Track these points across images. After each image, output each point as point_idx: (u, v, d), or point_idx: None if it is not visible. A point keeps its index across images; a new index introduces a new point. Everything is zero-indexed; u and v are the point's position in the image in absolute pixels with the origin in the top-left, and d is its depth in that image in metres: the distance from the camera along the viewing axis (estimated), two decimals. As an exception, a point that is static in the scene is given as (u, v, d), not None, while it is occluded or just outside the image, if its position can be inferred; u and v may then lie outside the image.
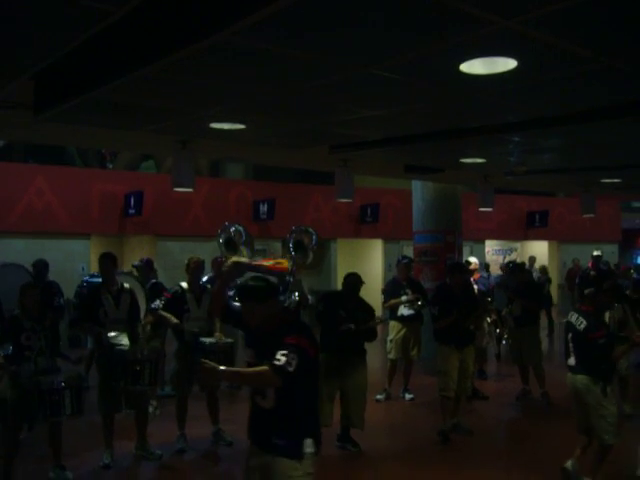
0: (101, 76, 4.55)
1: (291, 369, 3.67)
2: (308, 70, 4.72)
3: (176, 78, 4.87)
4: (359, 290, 7.49)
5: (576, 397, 6.00)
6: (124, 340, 6.99)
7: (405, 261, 10.13)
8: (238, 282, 10.08)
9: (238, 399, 9.73)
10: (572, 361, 6.08)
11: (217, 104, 5.82)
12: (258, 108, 5.98)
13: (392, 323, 9.81)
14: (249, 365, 3.99)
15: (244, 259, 4.92)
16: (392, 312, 9.80)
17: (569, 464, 5.97)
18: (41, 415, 5.92)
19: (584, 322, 5.88)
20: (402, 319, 9.65)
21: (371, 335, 7.42)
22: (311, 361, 3.87)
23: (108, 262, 7.22)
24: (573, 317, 6.01)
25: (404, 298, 9.55)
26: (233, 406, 9.07)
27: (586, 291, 6.12)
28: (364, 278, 7.73)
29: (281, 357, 3.68)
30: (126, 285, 7.31)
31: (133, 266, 11.06)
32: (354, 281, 7.50)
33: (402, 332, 9.66)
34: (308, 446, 3.82)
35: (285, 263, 4.73)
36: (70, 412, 6.00)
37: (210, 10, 3.50)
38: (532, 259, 18.14)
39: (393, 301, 9.64)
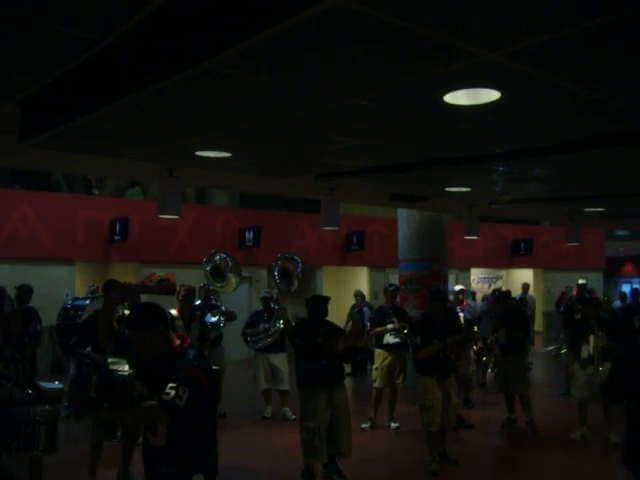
0: (86, 104, 4.56)
1: (181, 404, 3.42)
2: (293, 100, 4.75)
3: (161, 106, 4.89)
4: (324, 311, 7.36)
5: None
6: (124, 366, 6.92)
7: (392, 288, 10.16)
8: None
9: (222, 427, 9.64)
10: None
11: (202, 132, 5.84)
12: (243, 137, 6.01)
13: (378, 351, 9.80)
14: (142, 400, 3.70)
15: (132, 282, 4.46)
16: (378, 340, 9.80)
17: None
18: (14, 447, 5.69)
19: None
20: (388, 347, 9.64)
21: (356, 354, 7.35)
22: (206, 394, 3.62)
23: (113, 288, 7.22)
24: None
25: (390, 326, 9.55)
26: (218, 435, 8.99)
27: None
28: (350, 306, 7.71)
29: (170, 391, 3.43)
30: (127, 312, 7.27)
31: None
32: (321, 303, 7.34)
33: (388, 360, 9.64)
34: None
35: (172, 279, 4.26)
36: (43, 447, 5.80)
37: (195, 39, 3.53)
38: (525, 286, 18.16)
39: (379, 329, 9.64)
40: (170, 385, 3.43)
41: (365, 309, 14.33)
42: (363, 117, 5.23)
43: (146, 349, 3.66)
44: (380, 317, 9.74)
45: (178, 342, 3.75)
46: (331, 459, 7.13)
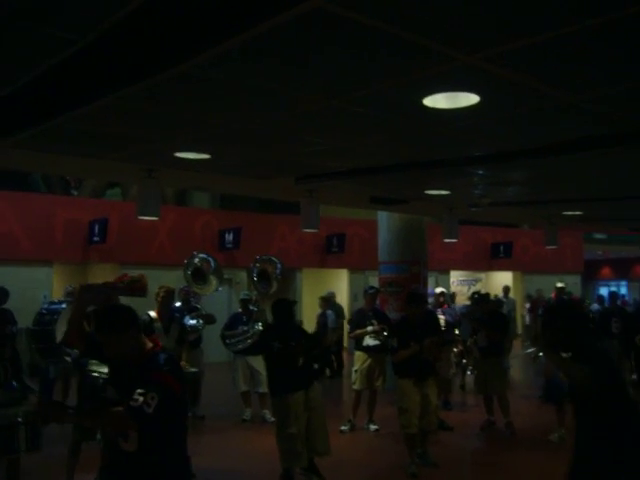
0: (63, 104, 4.53)
1: (149, 410, 3.32)
2: (273, 102, 4.75)
3: (139, 107, 4.86)
4: (292, 314, 7.38)
5: None
6: (104, 368, 6.86)
7: (372, 291, 10.16)
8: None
9: (201, 430, 9.63)
10: None
11: (181, 134, 5.82)
12: (223, 138, 5.99)
13: (357, 353, 9.81)
14: (113, 404, 3.56)
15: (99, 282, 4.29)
16: (357, 342, 9.80)
17: None
18: None
19: None
20: (367, 349, 9.64)
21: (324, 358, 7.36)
22: (177, 400, 3.53)
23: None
24: None
25: (370, 328, 9.56)
26: (196, 437, 8.94)
27: None
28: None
29: (139, 397, 3.33)
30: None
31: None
32: (290, 306, 7.38)
33: (367, 362, 9.64)
34: None
35: (144, 280, 4.12)
36: (25, 448, 5.70)
37: (171, 42, 3.51)
38: (506, 289, 18.24)
39: (359, 331, 9.64)
40: (139, 391, 3.35)
41: (329, 312, 14.35)
42: (343, 120, 5.23)
43: (116, 352, 3.58)
44: (360, 320, 9.74)
45: (150, 345, 3.68)
46: (309, 461, 7.11)
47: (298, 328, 7.27)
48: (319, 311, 14.67)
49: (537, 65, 3.95)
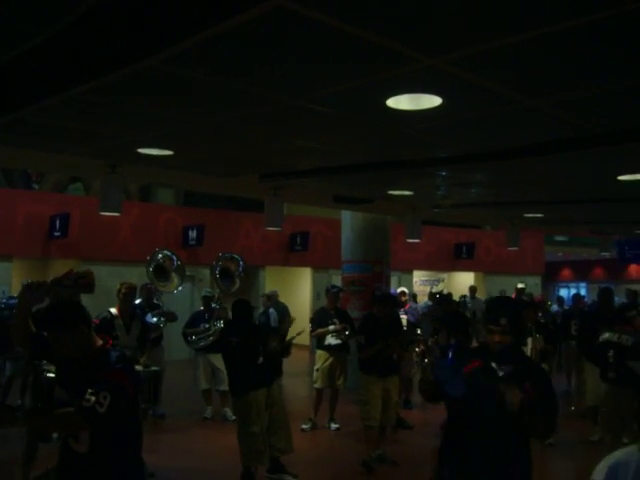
0: (25, 97, 4.47)
1: (102, 410, 3.24)
2: (236, 100, 4.74)
3: (102, 102, 4.82)
4: (251, 314, 7.44)
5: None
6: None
7: (334, 290, 10.18)
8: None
9: (162, 428, 9.57)
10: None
11: (144, 130, 5.77)
12: (187, 135, 5.96)
13: (319, 352, 9.83)
14: (62, 405, 3.47)
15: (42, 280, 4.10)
16: (319, 341, 9.83)
17: None
18: None
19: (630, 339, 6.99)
20: (329, 348, 9.67)
21: (286, 351, 7.39)
22: (129, 398, 3.46)
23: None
24: (615, 336, 7.13)
25: (331, 327, 9.59)
26: (156, 435, 8.91)
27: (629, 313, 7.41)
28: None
29: (90, 397, 3.25)
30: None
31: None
32: (249, 306, 7.48)
33: (329, 361, 9.67)
34: None
35: (91, 276, 3.93)
36: None
37: (138, 36, 3.48)
38: (473, 289, 18.33)
39: (320, 330, 9.66)
40: (90, 390, 3.27)
41: (271, 310, 14.28)
42: (306, 119, 5.24)
43: (65, 350, 3.48)
44: (322, 318, 9.77)
45: (100, 343, 3.60)
46: (275, 460, 7.11)
47: (256, 327, 7.30)
48: (261, 309, 14.58)
49: (500, 69, 4.00)
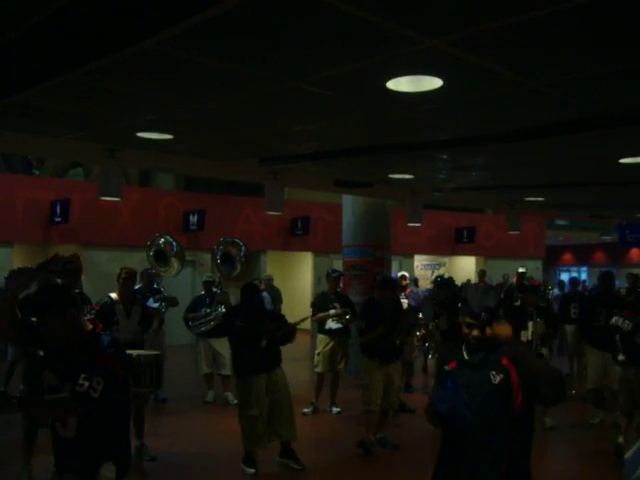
0: (22, 81, 4.44)
1: (95, 395, 3.22)
2: (235, 82, 4.71)
3: (100, 85, 4.78)
4: (254, 299, 7.42)
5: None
6: None
7: (335, 274, 10.17)
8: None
9: (164, 412, 9.59)
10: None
11: (143, 113, 5.74)
12: (187, 119, 5.93)
13: (320, 337, 9.84)
14: (52, 390, 3.45)
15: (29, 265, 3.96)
16: (320, 325, 9.83)
17: (621, 440, 7.29)
18: None
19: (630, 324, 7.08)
20: (330, 332, 9.67)
21: (288, 336, 7.35)
22: (120, 382, 3.43)
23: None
24: (619, 321, 7.20)
25: (332, 312, 9.58)
26: (158, 419, 8.93)
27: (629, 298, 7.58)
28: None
29: (84, 382, 3.22)
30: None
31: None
32: (257, 290, 7.53)
33: (329, 345, 9.68)
34: (107, 470, 3.43)
35: (78, 261, 3.88)
36: None
37: (136, 17, 3.45)
38: (482, 273, 18.25)
39: (321, 314, 9.66)
40: (83, 375, 3.24)
41: (264, 294, 14.29)
42: (305, 101, 5.21)
43: (56, 334, 3.44)
44: (322, 303, 9.76)
45: (90, 327, 3.57)
46: (285, 445, 7.13)
47: (263, 310, 7.27)
48: None
49: (501, 50, 3.96)
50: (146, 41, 3.54)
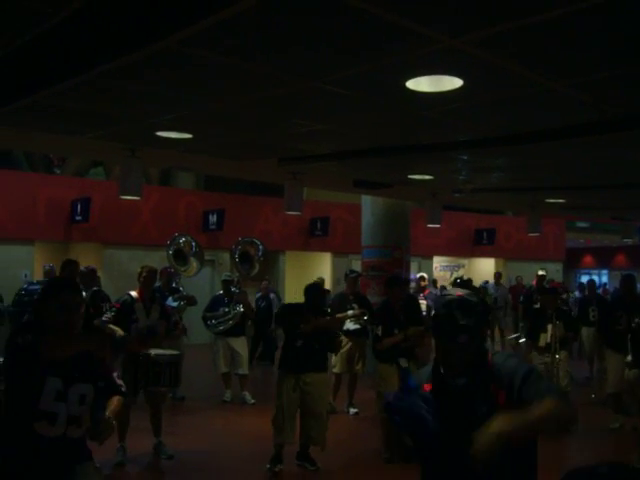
0: (42, 80, 4.47)
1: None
2: (254, 82, 4.71)
3: (121, 84, 4.81)
4: (321, 301, 7.41)
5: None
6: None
7: (353, 275, 10.15)
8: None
9: (181, 411, 9.62)
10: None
11: (162, 113, 5.75)
12: (205, 118, 5.94)
13: (338, 337, 9.83)
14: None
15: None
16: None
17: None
18: None
19: None
20: (348, 333, 9.65)
21: (332, 345, 7.31)
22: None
23: (74, 268, 7.95)
24: None
25: (350, 312, 9.55)
26: (175, 418, 8.96)
27: None
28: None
29: (117, 378, 3.60)
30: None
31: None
32: (316, 291, 7.40)
33: (347, 346, 9.66)
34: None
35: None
36: None
37: (154, 17, 3.46)
38: (498, 275, 18.17)
39: (339, 315, 9.63)
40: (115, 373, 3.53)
41: (272, 295, 14.28)
42: (325, 101, 5.20)
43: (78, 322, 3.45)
44: (341, 303, 9.74)
45: None
46: (303, 448, 7.13)
47: (321, 312, 7.30)
48: (258, 295, 14.53)
49: (522, 50, 3.93)
50: (165, 40, 3.54)
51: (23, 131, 6.74)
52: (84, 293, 8.90)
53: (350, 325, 9.63)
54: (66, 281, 3.69)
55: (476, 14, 3.38)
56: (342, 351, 9.67)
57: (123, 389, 3.52)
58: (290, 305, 7.70)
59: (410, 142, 6.99)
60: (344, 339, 9.68)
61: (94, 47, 3.88)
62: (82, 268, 10.69)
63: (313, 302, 7.22)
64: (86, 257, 15.91)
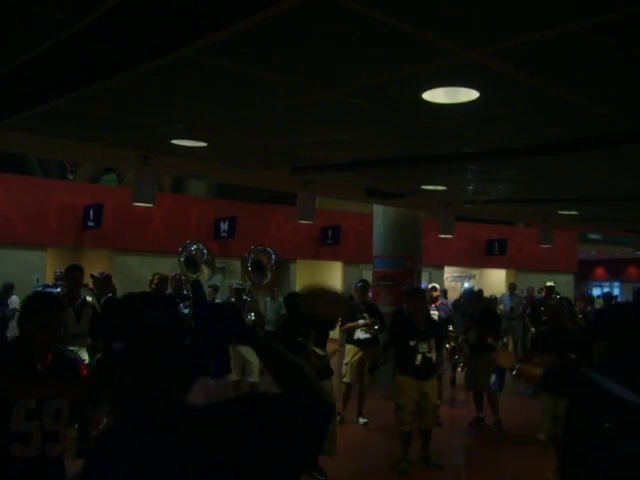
0: (57, 87, 4.49)
1: None
2: (269, 92, 4.71)
3: (135, 92, 4.81)
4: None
5: None
6: (84, 355, 6.84)
7: (360, 284, 10.14)
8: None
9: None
10: None
11: (177, 121, 5.77)
12: (220, 127, 5.95)
13: (348, 346, 9.80)
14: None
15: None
16: (348, 335, 9.80)
17: None
18: None
19: None
20: (358, 342, 9.63)
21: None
22: None
23: (77, 274, 7.20)
24: None
25: (361, 322, 9.55)
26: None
27: None
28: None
29: None
30: (89, 299, 7.24)
31: (92, 276, 10.83)
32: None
33: (358, 356, 9.64)
34: None
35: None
36: None
37: (171, 26, 3.48)
38: (513, 286, 18.09)
39: (350, 324, 9.63)
40: None
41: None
42: (340, 111, 5.19)
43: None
44: (351, 313, 9.72)
45: None
46: None
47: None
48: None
49: (538, 62, 3.92)
50: (182, 49, 3.55)
51: (39, 137, 6.77)
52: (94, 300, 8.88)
53: (361, 334, 9.61)
54: (49, 299, 3.53)
55: (494, 26, 3.37)
56: (352, 360, 9.66)
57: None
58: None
59: (425, 153, 6.98)
60: (354, 348, 9.66)
61: (111, 55, 3.90)
62: (97, 274, 10.72)
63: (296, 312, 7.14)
64: (97, 263, 15.98)
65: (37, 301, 3.44)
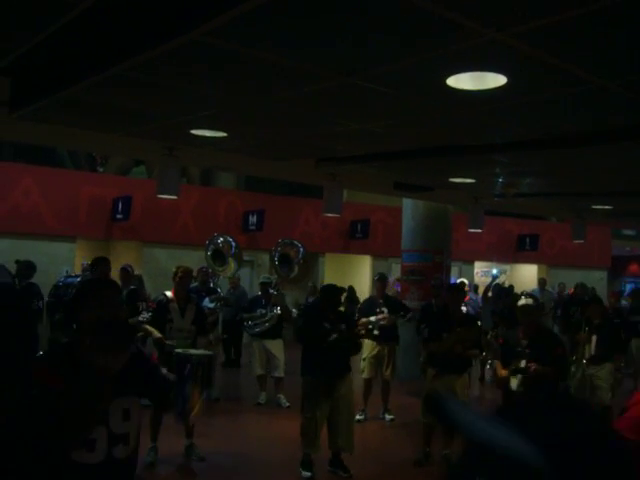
0: (74, 74, 4.40)
1: None
2: (287, 77, 4.54)
3: (152, 80, 4.68)
4: (339, 300, 7.28)
5: None
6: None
7: (376, 278, 10.03)
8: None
9: (215, 413, 9.55)
10: None
11: (194, 110, 5.63)
12: (239, 116, 5.81)
13: (366, 342, 9.61)
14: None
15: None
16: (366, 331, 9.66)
17: None
18: None
19: None
20: (376, 338, 9.47)
21: (355, 346, 7.19)
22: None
23: (105, 269, 8.13)
24: None
25: (372, 318, 9.38)
26: (209, 420, 8.88)
27: None
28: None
29: None
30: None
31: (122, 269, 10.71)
32: (333, 291, 7.27)
33: (375, 351, 9.50)
34: None
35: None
36: None
37: (187, 6, 3.35)
38: (543, 281, 17.87)
39: (363, 320, 9.44)
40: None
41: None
42: (360, 98, 5.01)
43: None
44: (369, 308, 9.60)
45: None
46: (336, 454, 7.01)
47: (340, 313, 7.21)
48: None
49: (571, 44, 3.71)
50: (192, 32, 3.42)
51: (64, 129, 6.72)
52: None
53: (375, 330, 9.45)
54: (106, 281, 3.41)
55: (522, 4, 3.19)
56: (370, 355, 9.52)
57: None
58: (311, 307, 7.61)
59: (451, 143, 6.79)
60: (372, 344, 9.51)
61: (123, 41, 3.80)
62: (127, 266, 10.59)
63: (329, 301, 7.12)
64: (126, 255, 16.01)
65: (95, 282, 3.33)
